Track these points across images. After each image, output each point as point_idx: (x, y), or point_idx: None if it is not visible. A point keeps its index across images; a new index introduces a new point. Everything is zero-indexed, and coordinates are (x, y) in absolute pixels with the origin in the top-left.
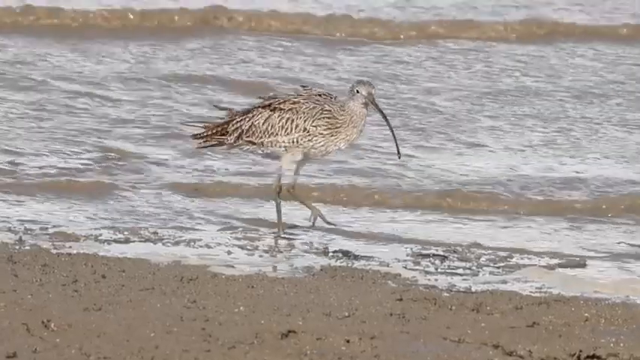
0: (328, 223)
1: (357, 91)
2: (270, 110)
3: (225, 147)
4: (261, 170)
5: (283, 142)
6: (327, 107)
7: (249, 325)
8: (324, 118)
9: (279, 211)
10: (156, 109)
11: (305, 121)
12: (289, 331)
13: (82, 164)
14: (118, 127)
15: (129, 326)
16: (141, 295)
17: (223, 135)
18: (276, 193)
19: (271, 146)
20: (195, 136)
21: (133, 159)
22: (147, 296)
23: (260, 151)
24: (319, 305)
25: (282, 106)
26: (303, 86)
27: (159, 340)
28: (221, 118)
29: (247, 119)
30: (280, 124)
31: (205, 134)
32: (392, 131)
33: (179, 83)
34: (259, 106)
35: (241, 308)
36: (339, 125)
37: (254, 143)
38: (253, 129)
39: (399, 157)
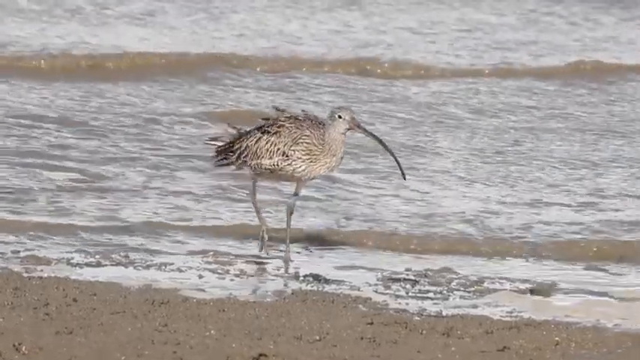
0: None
1: (339, 117)
2: (261, 133)
3: (231, 166)
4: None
5: (266, 165)
6: (308, 132)
7: (220, 348)
8: (302, 143)
9: (257, 212)
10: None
11: (285, 145)
12: (260, 355)
13: (55, 187)
14: (92, 153)
15: (100, 350)
16: (112, 318)
17: (231, 153)
18: (253, 200)
19: (258, 168)
20: (214, 155)
21: (105, 183)
22: (118, 320)
23: (252, 172)
24: (290, 329)
25: (269, 129)
26: (303, 111)
27: None
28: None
29: (245, 140)
30: (266, 147)
31: (219, 151)
32: (391, 152)
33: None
34: (256, 128)
35: (212, 332)
36: (317, 153)
37: (247, 164)
38: (247, 150)
39: (405, 179)
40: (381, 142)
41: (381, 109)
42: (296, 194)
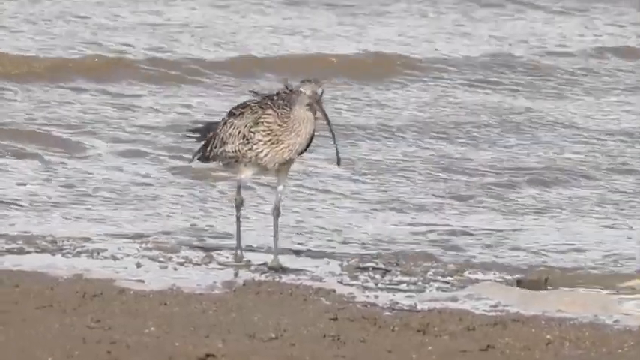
0: (279, 269)
1: (301, 91)
2: (229, 116)
3: (209, 162)
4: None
5: (229, 152)
6: (270, 111)
7: (161, 347)
8: (263, 123)
9: (238, 227)
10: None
11: (245, 127)
12: (207, 355)
13: None
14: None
15: (23, 349)
16: (37, 313)
17: (207, 146)
18: (236, 207)
19: (224, 157)
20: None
21: (30, 158)
22: (44, 314)
23: (222, 164)
24: (242, 325)
25: (234, 111)
26: (286, 87)
27: None
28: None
29: (216, 127)
30: (229, 131)
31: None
32: (333, 136)
33: None
34: (228, 112)
35: (152, 328)
36: (279, 133)
37: (217, 155)
38: (216, 138)
39: (339, 165)
40: (329, 123)
41: None
42: (278, 191)
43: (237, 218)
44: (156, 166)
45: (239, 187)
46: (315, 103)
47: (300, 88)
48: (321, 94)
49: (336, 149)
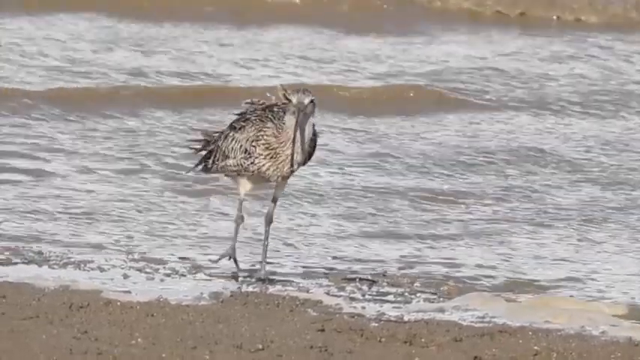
0: (266, 279)
1: (290, 100)
2: (230, 129)
3: (212, 174)
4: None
5: (231, 165)
6: (269, 124)
7: (148, 359)
8: (263, 137)
9: (235, 236)
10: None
11: (247, 140)
12: None
13: None
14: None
15: None
16: (24, 324)
17: (208, 158)
18: (237, 222)
19: (227, 171)
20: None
21: (20, 173)
22: (31, 326)
23: (224, 175)
24: (229, 336)
25: (235, 124)
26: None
27: None
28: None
29: (218, 140)
30: (232, 145)
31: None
32: (293, 141)
33: None
34: (229, 124)
35: (139, 340)
36: (276, 146)
37: (219, 168)
38: (218, 151)
39: (292, 170)
40: (294, 134)
41: None
42: (274, 200)
43: (236, 231)
44: (143, 180)
45: (240, 204)
46: (298, 112)
47: (290, 97)
48: (309, 104)
49: (292, 155)
